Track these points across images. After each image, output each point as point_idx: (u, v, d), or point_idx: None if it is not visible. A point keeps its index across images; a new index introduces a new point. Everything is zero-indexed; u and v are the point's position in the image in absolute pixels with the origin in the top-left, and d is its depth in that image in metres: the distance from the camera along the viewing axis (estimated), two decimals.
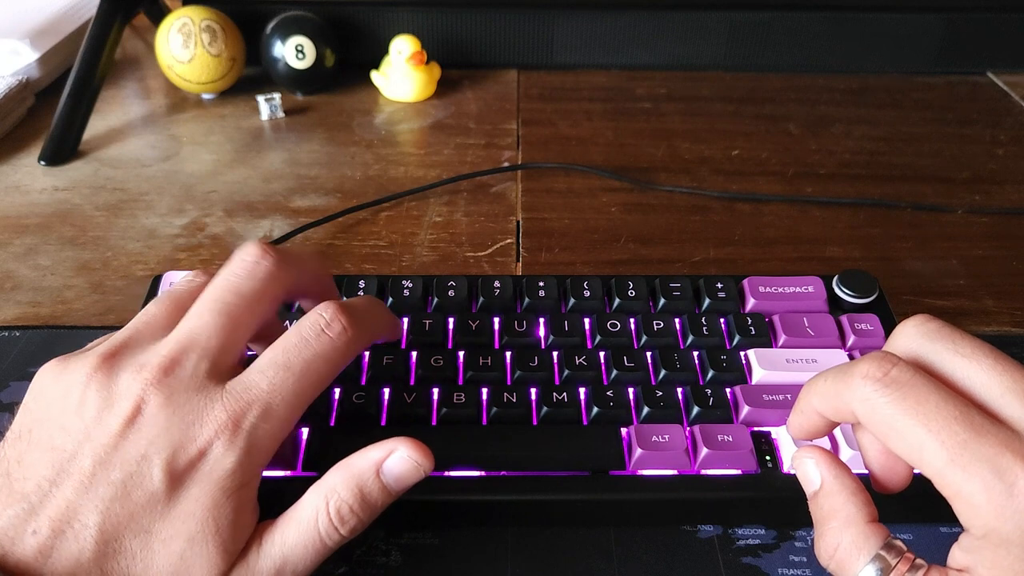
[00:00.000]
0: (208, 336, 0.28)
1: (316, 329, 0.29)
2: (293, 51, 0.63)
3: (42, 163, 0.57)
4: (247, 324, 0.29)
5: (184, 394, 0.27)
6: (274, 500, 0.32)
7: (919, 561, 0.25)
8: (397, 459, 0.28)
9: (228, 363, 0.29)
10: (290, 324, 0.31)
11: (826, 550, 0.26)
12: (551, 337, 0.37)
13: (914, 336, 0.26)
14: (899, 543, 0.25)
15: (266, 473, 0.32)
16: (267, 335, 0.32)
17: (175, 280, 0.39)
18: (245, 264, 0.30)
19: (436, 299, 0.39)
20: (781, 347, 0.37)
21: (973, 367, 0.24)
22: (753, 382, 0.36)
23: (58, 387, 0.28)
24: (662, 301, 0.39)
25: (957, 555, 0.24)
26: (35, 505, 0.25)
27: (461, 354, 0.37)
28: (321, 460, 0.32)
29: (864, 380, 0.24)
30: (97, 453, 0.26)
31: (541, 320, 0.38)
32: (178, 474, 0.26)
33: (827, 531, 0.26)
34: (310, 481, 0.32)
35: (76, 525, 0.25)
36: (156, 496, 0.26)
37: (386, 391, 0.35)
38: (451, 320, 0.38)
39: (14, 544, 0.25)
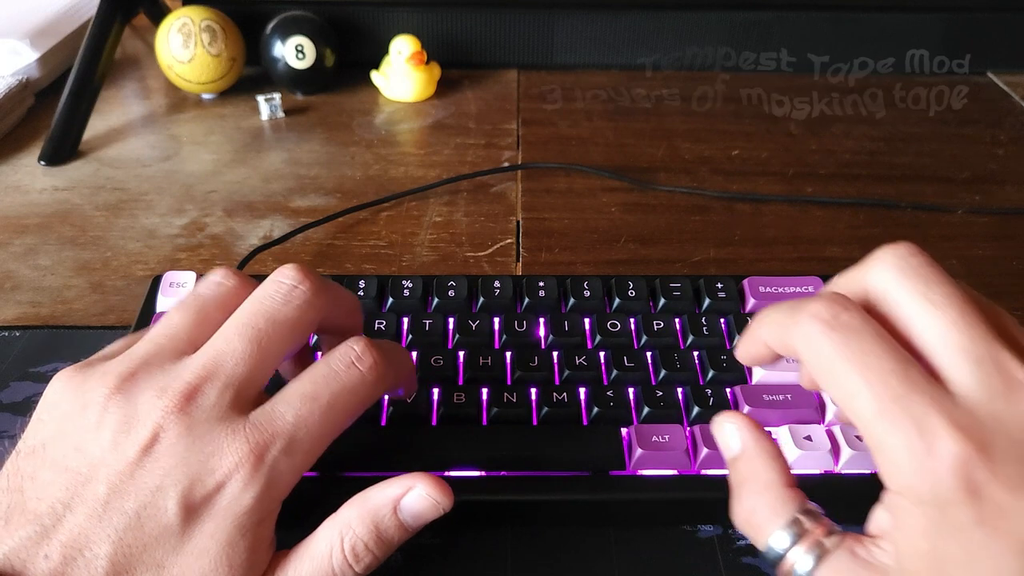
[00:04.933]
0: (235, 363, 0.27)
1: (346, 361, 0.28)
2: (293, 51, 0.63)
3: (42, 163, 0.57)
4: (277, 353, 0.28)
5: (205, 424, 0.26)
6: None
7: (835, 528, 0.25)
8: (415, 496, 0.28)
9: (253, 393, 0.27)
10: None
11: (742, 513, 0.26)
12: (551, 337, 0.37)
13: (891, 269, 0.25)
14: (815, 508, 0.25)
15: None
16: (297, 362, 0.31)
17: (175, 280, 0.39)
18: (282, 288, 0.28)
19: (436, 299, 0.39)
20: None
21: (935, 317, 0.23)
22: (753, 382, 0.36)
23: (75, 403, 0.27)
24: (662, 301, 0.39)
25: (875, 517, 0.25)
26: (48, 528, 0.25)
27: (461, 354, 0.37)
28: (321, 460, 0.32)
29: (812, 320, 0.24)
30: (112, 480, 0.25)
31: (541, 320, 0.38)
32: (194, 507, 0.25)
33: (744, 494, 0.26)
34: (309, 482, 0.32)
35: (87, 554, 0.25)
36: (170, 529, 0.25)
37: None
38: (451, 320, 0.38)
39: (25, 566, 0.24)
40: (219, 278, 0.30)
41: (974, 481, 0.21)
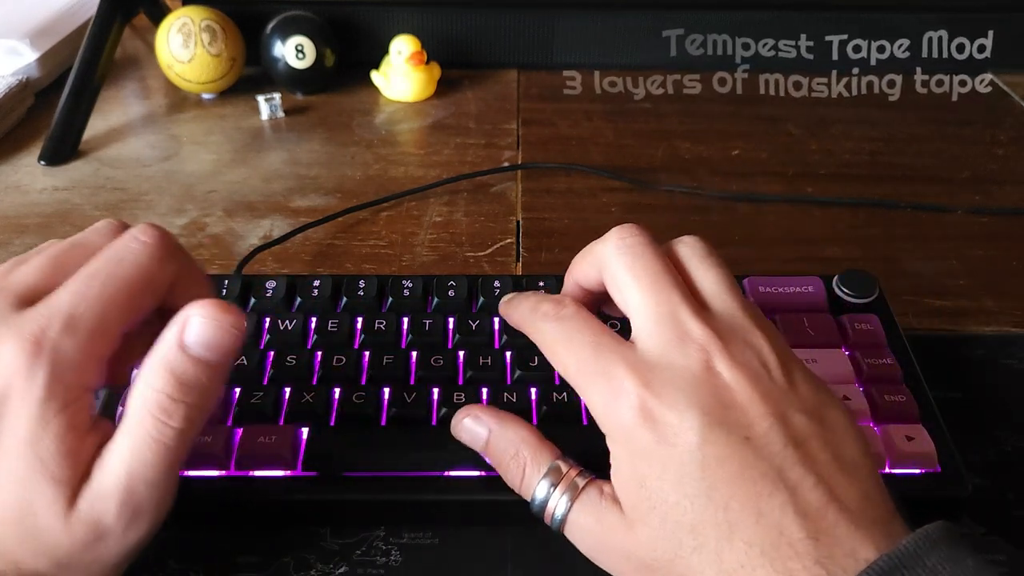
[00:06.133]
0: (23, 273, 0.27)
1: (128, 237, 0.28)
2: (293, 51, 0.63)
3: (42, 163, 0.57)
4: (69, 270, 0.27)
5: None
6: (274, 500, 0.32)
7: (587, 472, 0.29)
8: (195, 326, 0.26)
9: (37, 296, 0.27)
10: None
11: (514, 481, 0.30)
12: None
13: (611, 248, 0.30)
14: (568, 460, 0.29)
15: (265, 473, 0.32)
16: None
17: None
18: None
19: (436, 299, 0.39)
20: None
21: (632, 287, 0.28)
22: None
23: None
24: None
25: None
26: None
27: (461, 354, 0.37)
28: (321, 460, 0.32)
29: (543, 316, 0.30)
30: None
31: None
32: None
33: (510, 465, 0.30)
34: (310, 481, 0.32)
35: None
36: None
37: (386, 391, 0.35)
38: (451, 320, 0.38)
39: None
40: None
41: (648, 410, 0.26)
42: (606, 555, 0.28)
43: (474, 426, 0.31)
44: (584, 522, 0.28)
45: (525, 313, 0.31)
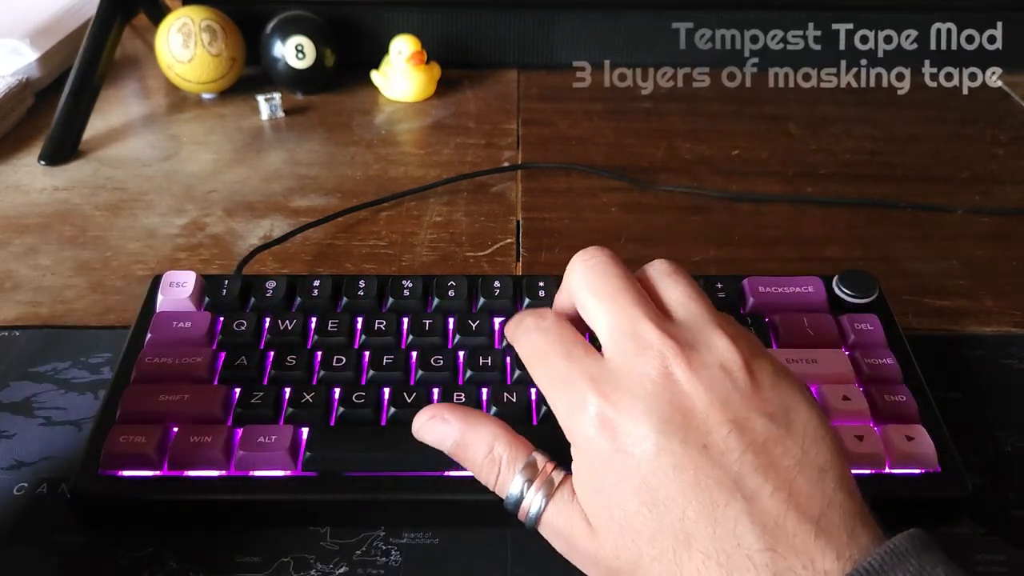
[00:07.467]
0: None
1: None
2: (293, 51, 0.63)
3: (42, 163, 0.57)
4: None
5: None
6: (274, 500, 0.32)
7: (561, 468, 0.29)
8: None
9: None
10: None
11: (489, 479, 0.29)
12: None
13: (575, 270, 0.30)
14: (544, 454, 0.29)
15: (265, 473, 0.32)
16: None
17: (175, 280, 0.39)
18: None
19: (436, 299, 0.39)
20: (781, 347, 0.37)
21: (594, 305, 0.29)
22: None
23: None
24: None
25: None
26: None
27: (461, 354, 0.37)
28: (321, 460, 0.32)
29: (525, 330, 0.30)
30: None
31: None
32: None
33: (484, 463, 0.29)
34: (310, 481, 0.32)
35: None
36: None
37: (386, 391, 0.35)
38: (451, 320, 0.38)
39: None
40: None
41: (607, 419, 0.26)
42: (576, 557, 0.28)
43: (440, 427, 0.30)
44: (556, 523, 0.28)
45: (511, 328, 0.32)
